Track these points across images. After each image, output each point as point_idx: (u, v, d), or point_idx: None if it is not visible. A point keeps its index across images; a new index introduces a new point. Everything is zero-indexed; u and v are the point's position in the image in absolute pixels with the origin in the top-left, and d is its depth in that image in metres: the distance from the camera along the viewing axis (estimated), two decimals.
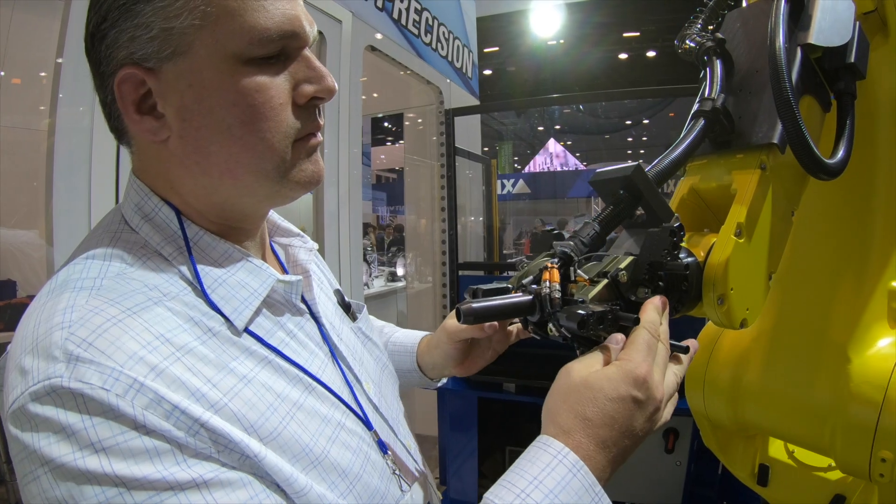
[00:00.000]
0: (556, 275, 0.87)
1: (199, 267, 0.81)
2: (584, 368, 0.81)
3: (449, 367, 1.27)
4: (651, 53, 20.80)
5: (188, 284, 0.79)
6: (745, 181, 1.00)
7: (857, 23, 1.05)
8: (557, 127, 27.95)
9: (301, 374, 0.84)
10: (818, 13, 1.03)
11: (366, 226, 14.75)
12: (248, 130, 0.78)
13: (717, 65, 1.08)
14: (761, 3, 1.13)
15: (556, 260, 0.90)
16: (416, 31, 4.37)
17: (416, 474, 1.03)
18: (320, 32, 3.13)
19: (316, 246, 1.10)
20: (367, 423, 0.93)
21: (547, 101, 15.42)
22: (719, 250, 0.95)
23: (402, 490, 0.94)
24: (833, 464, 1.29)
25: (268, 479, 0.73)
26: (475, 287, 0.93)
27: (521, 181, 20.62)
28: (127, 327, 0.68)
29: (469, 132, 5.29)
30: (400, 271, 8.56)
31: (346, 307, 1.14)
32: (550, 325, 0.88)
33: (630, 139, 29.83)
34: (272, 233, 1.06)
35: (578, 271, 0.89)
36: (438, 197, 4.62)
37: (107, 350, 0.65)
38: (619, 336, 0.85)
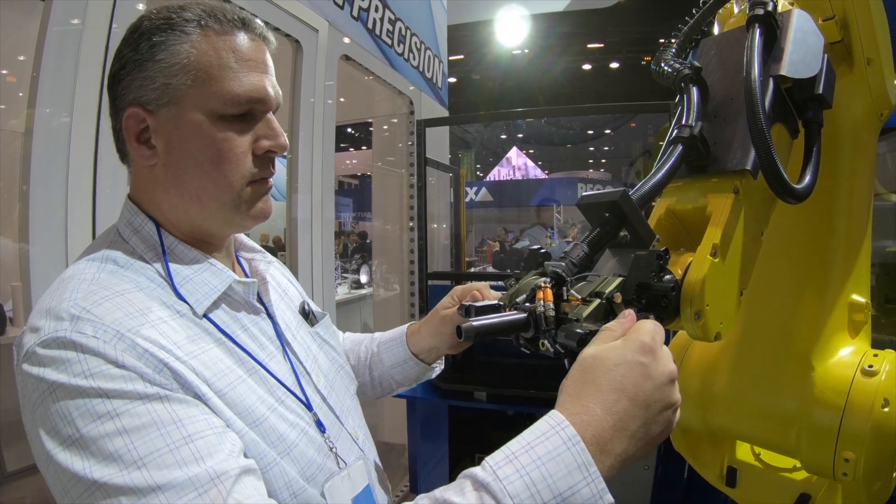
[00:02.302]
0: (550, 294, 0.92)
1: (172, 267, 1.03)
2: (596, 347, 0.85)
3: (444, 347, 1.44)
4: (614, 65, 20.95)
5: (163, 280, 1.02)
6: (720, 204, 1.07)
7: (826, 56, 1.12)
8: (521, 136, 28.04)
9: (247, 358, 1.03)
10: (790, 46, 1.10)
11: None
12: (213, 169, 1.01)
13: (694, 92, 1.13)
14: (735, 32, 1.19)
15: (548, 280, 0.95)
16: (389, 41, 4.39)
17: (359, 458, 1.19)
18: (297, 41, 3.18)
19: (274, 260, 1.33)
20: (307, 406, 1.11)
21: (516, 115, 15.46)
22: (696, 269, 1.01)
23: (338, 466, 1.11)
24: (798, 465, 1.37)
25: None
26: (468, 304, 0.99)
27: (483, 189, 20.67)
28: (115, 303, 0.91)
29: (438, 142, 5.29)
30: (364, 279, 8.52)
31: (306, 314, 1.33)
32: (544, 342, 0.93)
33: (592, 149, 30.01)
34: (239, 248, 1.28)
35: (572, 291, 0.94)
36: (407, 206, 4.65)
37: (100, 315, 0.88)
38: (629, 311, 0.91)
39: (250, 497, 0.84)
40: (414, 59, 4.93)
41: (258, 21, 1.08)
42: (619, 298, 0.92)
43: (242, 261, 1.27)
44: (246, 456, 0.91)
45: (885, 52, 1.29)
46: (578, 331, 0.86)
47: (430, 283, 4.07)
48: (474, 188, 20.24)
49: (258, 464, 0.92)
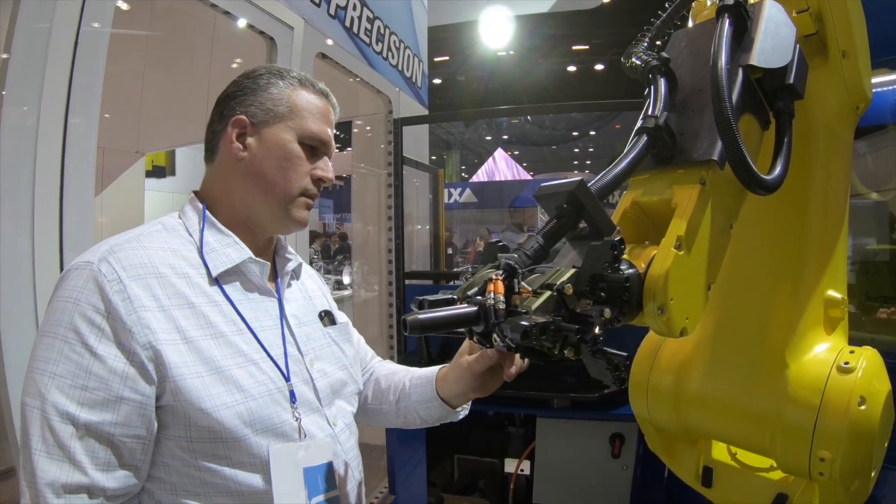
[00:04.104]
0: (501, 286, 0.90)
1: (205, 238, 1.31)
2: None
3: (470, 392, 1.56)
4: (599, 67, 20.94)
5: (194, 247, 1.30)
6: (686, 196, 1.04)
7: (798, 46, 1.10)
8: (505, 137, 28.04)
9: (240, 322, 1.28)
10: (760, 35, 1.07)
11: (313, 233, 14.67)
12: (285, 172, 1.34)
13: (662, 83, 1.11)
14: (707, 24, 1.17)
15: (500, 272, 0.92)
16: (367, 40, 4.37)
17: (327, 438, 1.35)
18: (271, 38, 3.14)
19: (301, 261, 1.56)
20: (285, 376, 1.31)
21: (495, 113, 15.50)
22: (660, 262, 0.98)
23: (299, 436, 1.28)
24: (775, 464, 1.33)
25: (160, 387, 1.15)
26: (421, 298, 0.96)
27: (468, 190, 20.65)
28: (137, 255, 1.20)
29: (417, 141, 5.27)
30: (346, 279, 8.52)
31: (321, 317, 1.54)
32: (495, 336, 0.91)
33: (577, 150, 30.05)
34: (278, 251, 1.51)
35: (522, 283, 0.92)
36: (385, 206, 4.62)
37: (121, 260, 1.17)
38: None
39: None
40: (393, 57, 4.91)
41: (333, 97, 1.46)
42: (570, 290, 0.89)
43: (278, 261, 1.50)
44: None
45: (860, 45, 1.28)
46: (523, 323, 0.83)
47: (407, 282, 4.05)
48: (458, 189, 20.22)
49: (208, 403, 1.16)
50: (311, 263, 9.15)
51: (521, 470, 3.21)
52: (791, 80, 1.08)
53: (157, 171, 11.11)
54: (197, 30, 4.06)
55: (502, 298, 0.88)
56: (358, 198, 5.37)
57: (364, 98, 4.91)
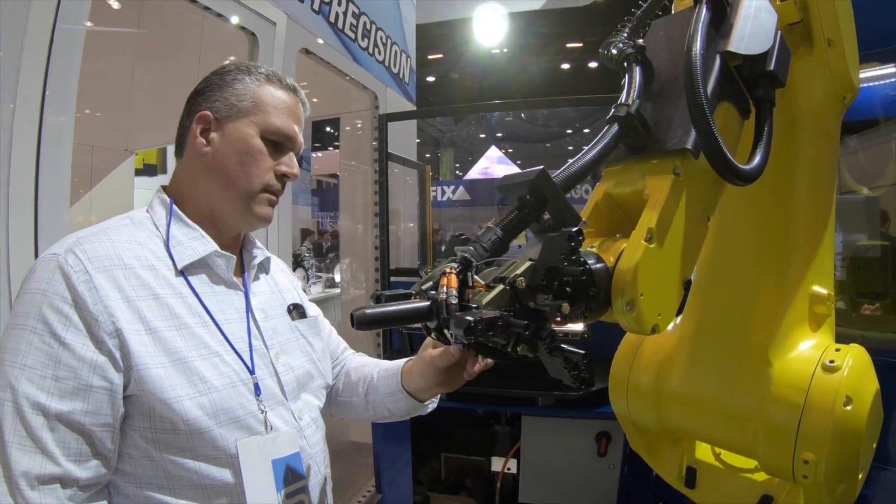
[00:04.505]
0: (454, 280, 0.87)
1: (171, 231, 1.32)
2: None
3: (434, 388, 1.56)
4: (593, 64, 20.95)
5: (161, 241, 1.31)
6: (658, 186, 1.00)
7: (780, 32, 1.06)
8: (499, 135, 28.04)
9: (204, 314, 1.29)
10: (739, 22, 1.04)
11: (305, 231, 14.67)
12: (246, 166, 1.34)
13: (637, 71, 1.08)
14: (686, 13, 1.14)
15: (455, 265, 0.89)
16: (352, 36, 4.32)
17: (291, 430, 1.35)
18: (253, 34, 3.10)
19: (269, 254, 1.57)
20: (250, 369, 1.31)
21: (481, 108, 15.48)
22: (629, 255, 0.94)
23: (265, 429, 1.29)
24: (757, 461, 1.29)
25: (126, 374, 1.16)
26: (378, 292, 0.94)
27: (461, 188, 20.63)
28: (103, 247, 1.21)
29: (405, 138, 5.24)
30: (338, 277, 8.52)
31: (289, 310, 1.55)
32: (447, 331, 0.89)
33: (571, 148, 30.05)
34: (246, 246, 1.52)
35: (475, 277, 0.89)
36: (372, 203, 4.57)
37: (87, 251, 1.18)
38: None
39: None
40: (379, 53, 4.87)
41: (302, 93, 1.47)
42: (522, 284, 0.86)
43: (245, 255, 1.51)
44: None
45: (847, 34, 1.25)
46: (467, 318, 0.79)
47: (393, 279, 4.02)
48: (451, 187, 20.20)
49: (170, 393, 1.17)
50: (302, 262, 9.15)
51: (508, 468, 3.19)
52: (771, 67, 1.04)
53: (148, 170, 11.09)
54: (185, 27, 4.02)
55: (454, 293, 0.86)
56: (346, 195, 5.34)
57: (350, 94, 4.86)
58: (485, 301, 0.84)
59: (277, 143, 1.38)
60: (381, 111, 4.68)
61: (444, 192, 18.66)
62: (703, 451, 1.46)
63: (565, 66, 21.55)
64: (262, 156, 1.36)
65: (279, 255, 3.28)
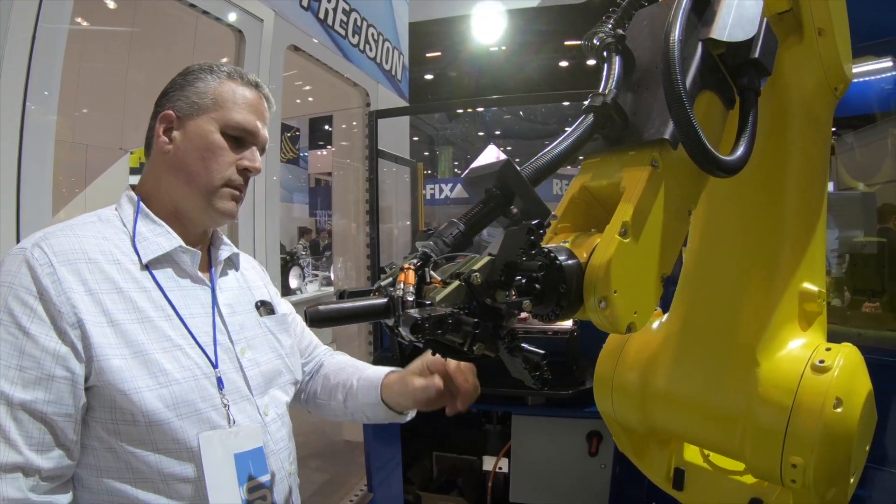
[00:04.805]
0: (411, 276, 0.83)
1: (138, 227, 1.34)
2: None
3: (413, 406, 1.61)
4: (592, 62, 20.82)
5: (127, 237, 1.33)
6: (635, 178, 0.97)
7: (766, 20, 1.02)
8: (498, 132, 28.00)
9: (168, 307, 1.31)
10: (723, 8, 1.00)
11: (303, 230, 14.63)
12: (204, 164, 1.37)
13: (616, 61, 1.05)
14: (670, 2, 1.10)
15: (415, 261, 0.86)
16: (342, 32, 4.29)
17: (255, 425, 1.37)
18: (239, 31, 3.07)
19: (237, 250, 1.60)
20: (213, 363, 1.33)
21: (471, 104, 15.45)
22: (602, 250, 0.91)
23: (228, 423, 1.31)
24: (743, 463, 1.26)
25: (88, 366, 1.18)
26: (342, 289, 0.91)
27: (458, 186, 20.57)
28: (69, 241, 1.24)
29: (397, 135, 5.24)
30: (334, 276, 8.51)
31: (258, 307, 1.57)
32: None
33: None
34: (215, 243, 1.54)
35: (432, 272, 0.86)
36: (364, 200, 4.55)
37: (52, 245, 1.22)
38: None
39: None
40: (371, 50, 4.85)
41: (266, 89, 1.50)
42: (477, 279, 0.82)
43: (213, 251, 1.53)
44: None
45: (838, 23, 1.22)
46: (413, 315, 0.75)
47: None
48: (449, 185, 20.16)
49: (130, 384, 1.18)
50: (298, 260, 9.11)
51: (500, 468, 3.17)
52: (756, 55, 1.00)
53: (143, 168, 11.07)
54: (178, 26, 4.00)
55: (411, 289, 0.82)
56: (339, 193, 5.32)
57: (341, 91, 4.85)
58: (438, 298, 0.80)
59: (239, 139, 1.41)
60: (372, 108, 4.65)
61: (441, 190, 18.62)
62: (692, 453, 1.43)
63: (563, 63, 21.49)
64: (222, 151, 1.38)
65: (266, 254, 3.29)
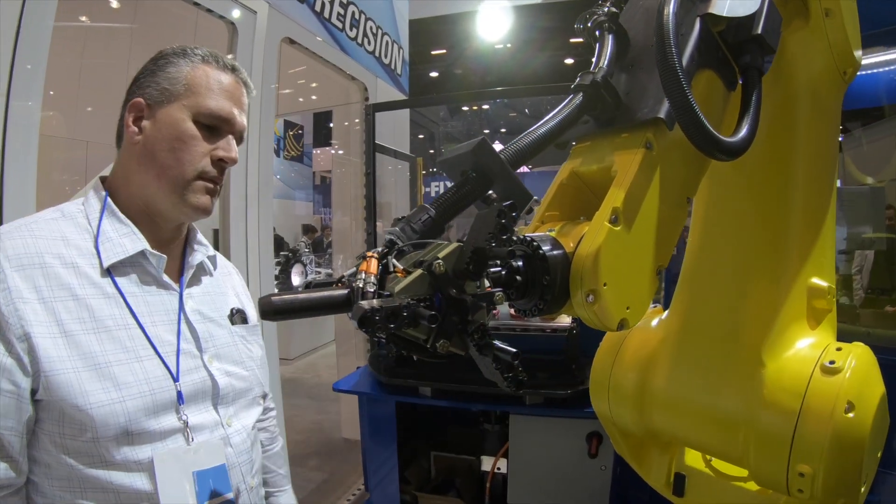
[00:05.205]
0: (374, 265, 0.77)
1: (102, 227, 1.26)
2: None
3: None
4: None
5: (90, 236, 1.25)
6: (627, 161, 0.90)
7: None
8: (503, 130, 28.00)
9: (128, 315, 1.23)
10: None
11: (307, 227, 14.70)
12: (177, 153, 1.28)
13: (608, 40, 0.99)
14: None
15: (380, 248, 0.80)
16: (340, 25, 4.24)
17: (217, 440, 1.30)
18: (233, 23, 3.02)
19: (213, 253, 1.52)
20: (173, 375, 1.25)
21: (470, 97, 15.46)
22: (590, 239, 0.84)
23: (187, 440, 1.24)
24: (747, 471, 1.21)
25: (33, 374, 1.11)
26: (309, 279, 0.83)
27: None
28: (24, 244, 1.17)
29: (397, 130, 5.20)
30: (335, 273, 8.54)
31: (231, 315, 1.49)
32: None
33: (574, 143, 29.96)
34: (191, 242, 1.45)
35: (394, 261, 0.79)
36: (362, 196, 4.49)
37: (6, 249, 1.15)
38: None
39: None
40: (369, 44, 4.80)
41: (244, 73, 1.41)
42: (440, 268, 0.74)
43: (188, 252, 1.44)
44: None
45: (846, 4, 1.16)
46: (363, 306, 0.68)
47: None
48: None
49: (81, 399, 1.11)
50: (300, 257, 9.12)
51: (498, 468, 3.13)
52: (759, 31, 0.94)
53: None
54: (177, 22, 3.96)
55: (373, 279, 0.76)
56: (338, 189, 5.29)
57: (340, 86, 4.80)
58: (398, 288, 0.74)
59: (213, 127, 1.33)
60: (371, 102, 4.59)
61: (446, 187, 18.67)
62: (693, 457, 1.38)
63: (569, 60, 21.48)
64: (194, 141, 1.30)
65: (259, 256, 3.23)
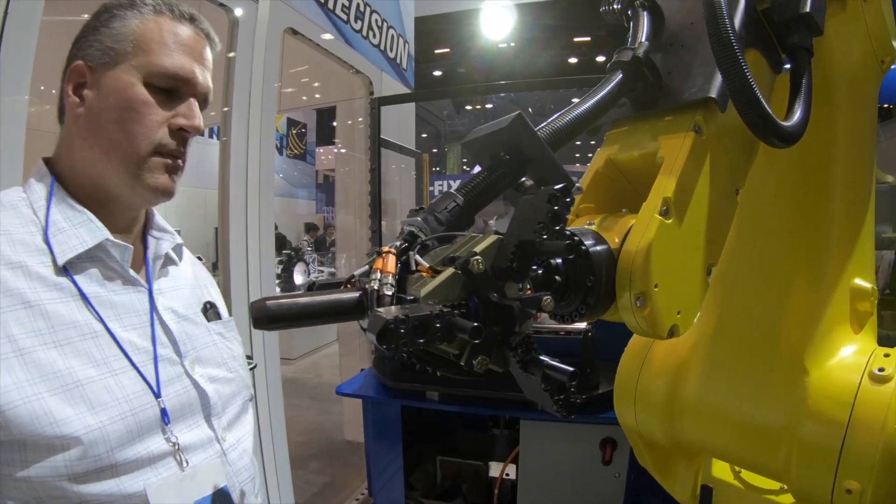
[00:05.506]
0: (392, 262, 0.64)
1: (51, 216, 1.06)
2: None
3: None
4: (601, 59, 20.94)
5: (38, 229, 1.05)
6: (675, 147, 0.82)
7: None
8: None
9: (94, 322, 1.03)
10: None
11: (309, 225, 14.75)
12: (124, 127, 1.07)
13: (644, 17, 0.91)
14: None
15: (398, 243, 0.67)
16: (344, 17, 4.16)
17: (216, 457, 1.13)
18: (233, 12, 2.97)
19: (179, 241, 1.30)
20: (154, 391, 1.06)
21: (477, 90, 15.47)
22: (639, 233, 0.76)
23: (180, 465, 1.05)
24: (786, 486, 1.14)
25: None
26: (311, 280, 0.72)
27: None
28: None
29: (402, 125, 5.13)
30: (338, 272, 8.55)
31: (205, 310, 1.30)
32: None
33: (578, 143, 30.02)
34: (151, 228, 1.25)
35: (416, 257, 0.66)
36: (367, 192, 4.42)
37: None
38: None
39: None
40: (374, 37, 4.72)
41: (206, 23, 1.20)
42: (478, 266, 0.61)
43: (150, 240, 1.24)
44: None
45: None
46: (383, 316, 0.54)
47: None
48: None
49: (50, 430, 0.91)
50: (303, 256, 9.07)
51: (507, 474, 3.03)
52: (807, 9, 0.87)
53: None
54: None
55: (391, 280, 0.63)
56: (342, 186, 5.22)
57: (344, 80, 4.73)
58: (424, 291, 0.61)
59: (170, 91, 1.12)
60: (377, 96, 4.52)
61: (449, 187, 18.76)
62: (721, 469, 1.31)
63: (573, 60, 21.53)
64: (147, 108, 1.08)
65: (260, 255, 3.17)
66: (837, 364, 1.04)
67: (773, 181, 1.10)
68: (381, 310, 0.57)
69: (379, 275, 0.63)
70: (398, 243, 0.67)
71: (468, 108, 24.75)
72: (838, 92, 1.09)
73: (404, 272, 0.65)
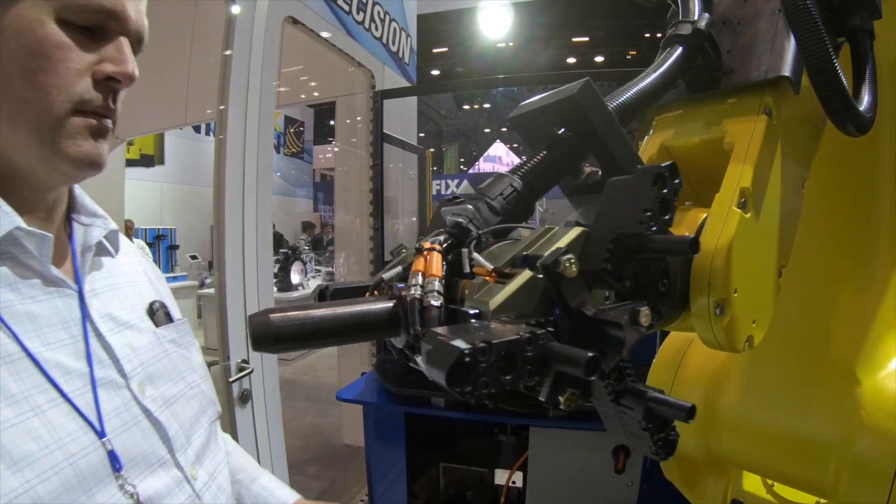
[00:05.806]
0: (437, 263, 0.51)
1: None
2: None
3: None
4: (599, 58, 21.01)
5: None
6: (746, 132, 0.73)
7: None
8: (504, 129, 28.04)
9: (7, 341, 0.76)
10: None
11: (306, 224, 14.76)
12: (33, 78, 0.79)
13: None
14: None
15: (442, 237, 0.54)
16: (346, 8, 4.09)
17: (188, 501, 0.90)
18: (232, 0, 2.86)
19: (114, 226, 1.02)
20: (97, 430, 0.80)
21: (480, 84, 15.50)
22: (716, 229, 0.65)
23: None
24: (822, 502, 1.09)
25: None
26: (324, 284, 0.59)
27: (465, 182, 20.69)
28: None
29: (404, 121, 5.06)
30: (336, 272, 8.55)
31: (152, 313, 1.04)
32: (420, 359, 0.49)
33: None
34: (76, 212, 0.99)
35: (475, 256, 0.53)
36: (368, 189, 4.34)
37: None
38: None
39: None
40: (377, 29, 4.66)
41: None
42: (571, 269, 0.46)
43: (76, 228, 0.97)
44: None
45: None
46: (455, 345, 0.39)
47: None
48: (456, 181, 20.21)
49: None
50: (300, 255, 9.00)
51: (514, 482, 2.97)
52: None
53: (144, 160, 11.10)
54: (175, 6, 3.81)
55: (437, 286, 0.50)
56: (341, 183, 5.15)
57: (345, 74, 4.65)
58: (494, 302, 0.46)
59: (93, 29, 0.84)
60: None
61: (447, 186, 18.77)
62: (752, 482, 1.23)
63: (571, 59, 21.62)
64: (62, 52, 0.80)
65: (257, 254, 3.08)
66: (892, 374, 0.97)
67: (816, 177, 1.02)
68: (441, 331, 0.43)
69: (420, 279, 0.50)
70: (441, 237, 0.54)
71: (465, 107, 24.82)
72: (884, 84, 1.01)
73: (453, 275, 0.53)
